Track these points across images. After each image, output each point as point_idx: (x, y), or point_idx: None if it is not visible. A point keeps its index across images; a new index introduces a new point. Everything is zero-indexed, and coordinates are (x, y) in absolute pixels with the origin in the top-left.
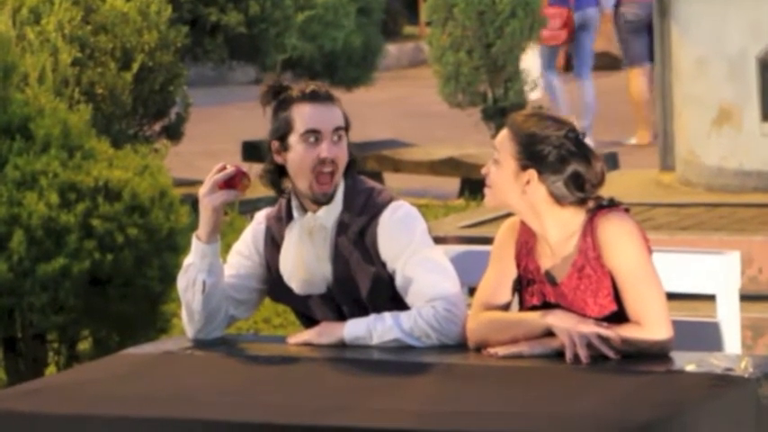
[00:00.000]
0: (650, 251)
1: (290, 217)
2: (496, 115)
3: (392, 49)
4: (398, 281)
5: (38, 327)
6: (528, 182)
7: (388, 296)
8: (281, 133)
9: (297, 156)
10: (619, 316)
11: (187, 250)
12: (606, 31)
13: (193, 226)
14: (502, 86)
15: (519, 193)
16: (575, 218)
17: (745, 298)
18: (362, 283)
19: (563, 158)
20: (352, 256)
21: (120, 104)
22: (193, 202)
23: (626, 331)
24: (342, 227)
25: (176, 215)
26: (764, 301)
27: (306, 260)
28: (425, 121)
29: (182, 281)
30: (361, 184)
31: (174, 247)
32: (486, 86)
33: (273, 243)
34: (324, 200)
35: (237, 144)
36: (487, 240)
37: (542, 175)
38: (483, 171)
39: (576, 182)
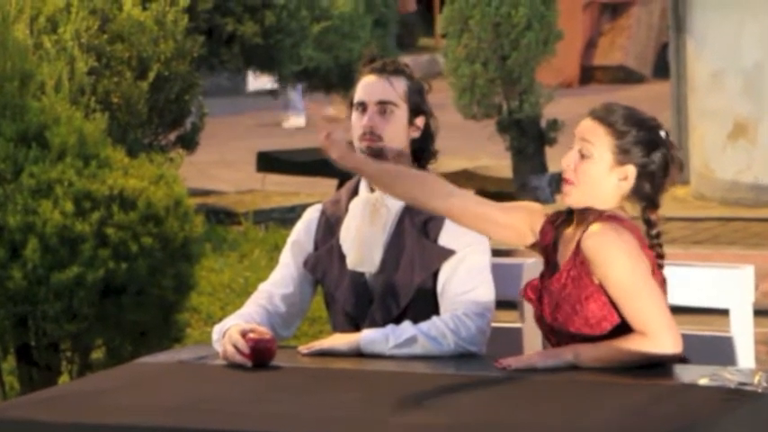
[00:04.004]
0: (657, 264)
1: (356, 193)
2: (511, 127)
3: (407, 60)
4: (442, 276)
5: (51, 335)
6: (625, 177)
7: (425, 303)
8: (350, 102)
9: (351, 124)
10: (624, 328)
11: (201, 260)
12: (622, 44)
13: (207, 236)
14: (517, 98)
15: (610, 188)
16: None
17: (759, 313)
18: (405, 280)
19: (665, 163)
20: (407, 248)
21: (136, 113)
22: (207, 212)
23: (631, 343)
24: (407, 213)
25: (191, 224)
26: None
27: (363, 235)
28: (439, 132)
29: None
30: None
31: (189, 256)
32: (501, 98)
33: (327, 225)
34: (370, 155)
35: (252, 154)
36: (504, 253)
37: (640, 172)
38: (564, 165)
39: (660, 183)
